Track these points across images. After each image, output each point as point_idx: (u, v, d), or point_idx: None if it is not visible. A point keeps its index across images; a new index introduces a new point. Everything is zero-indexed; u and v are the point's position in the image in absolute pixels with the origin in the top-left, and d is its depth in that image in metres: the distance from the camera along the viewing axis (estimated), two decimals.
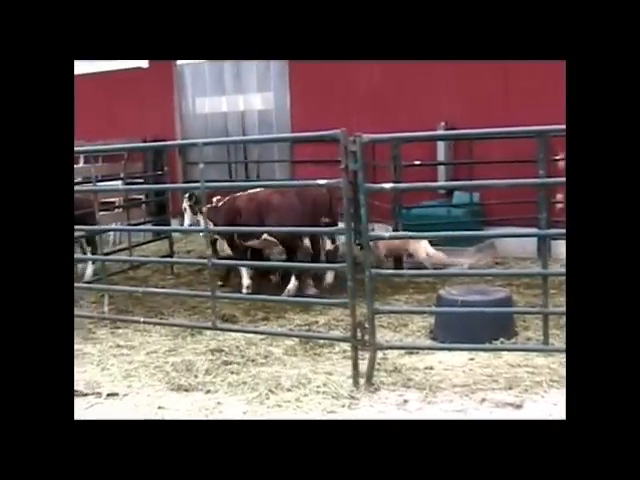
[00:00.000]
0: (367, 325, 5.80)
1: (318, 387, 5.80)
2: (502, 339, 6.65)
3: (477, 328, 6.40)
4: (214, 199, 8.98)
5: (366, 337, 5.81)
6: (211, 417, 5.42)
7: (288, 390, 5.79)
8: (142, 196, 12.89)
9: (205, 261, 6.91)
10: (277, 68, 13.76)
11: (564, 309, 4.11)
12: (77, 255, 9.85)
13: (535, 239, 9.81)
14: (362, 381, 5.82)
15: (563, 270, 4.22)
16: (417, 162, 10.74)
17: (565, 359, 4.16)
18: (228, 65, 14.27)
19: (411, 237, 9.61)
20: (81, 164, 13.95)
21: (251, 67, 14.07)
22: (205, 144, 6.71)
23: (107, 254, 9.65)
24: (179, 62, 14.69)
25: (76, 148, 11.32)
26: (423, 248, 9.80)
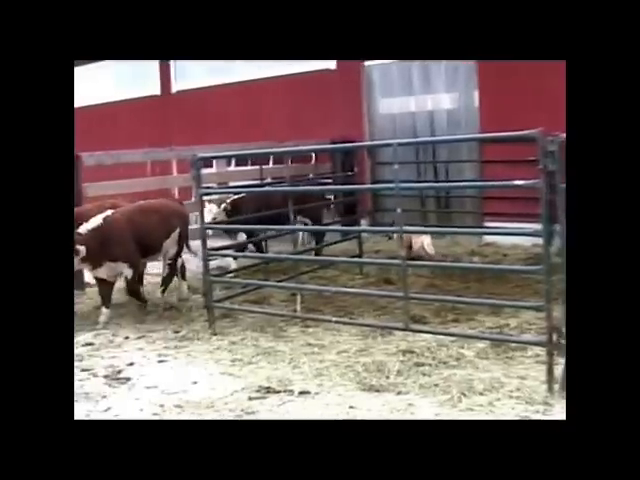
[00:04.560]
0: (563, 330, 5.64)
1: (511, 391, 5.67)
2: None
3: None
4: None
5: (562, 342, 5.65)
6: (402, 418, 5.40)
7: (480, 394, 5.68)
8: (331, 196, 13.01)
9: (397, 262, 6.90)
10: (465, 68, 13.61)
11: None
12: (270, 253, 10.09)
13: None
14: (556, 387, 5.66)
15: None
16: None
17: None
18: (416, 66, 14.22)
19: None
20: (270, 165, 14.29)
21: (439, 67, 13.97)
22: (400, 144, 6.71)
23: (298, 253, 9.79)
24: (367, 63, 14.76)
25: (266, 150, 11.71)
26: (421, 242, 10.67)
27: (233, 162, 15.61)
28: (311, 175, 12.92)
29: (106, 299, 8.69)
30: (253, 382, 6.30)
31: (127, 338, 8.07)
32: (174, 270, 9.41)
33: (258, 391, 6.10)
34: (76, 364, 7.15)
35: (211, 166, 14.22)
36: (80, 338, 8.05)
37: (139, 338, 8.03)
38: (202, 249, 8.05)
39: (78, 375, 6.82)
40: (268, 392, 6.07)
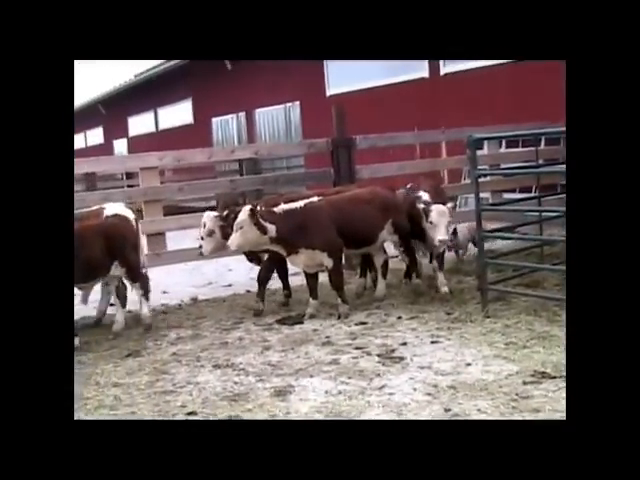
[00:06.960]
0: None
1: None
2: None
3: None
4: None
5: None
6: None
7: None
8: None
9: None
10: None
11: None
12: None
13: None
14: None
15: None
16: None
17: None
18: None
19: None
20: (542, 146, 13.92)
21: None
22: None
23: None
24: None
25: (540, 130, 11.43)
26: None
27: (504, 144, 15.35)
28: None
29: (313, 291, 8.57)
30: (528, 366, 6.21)
31: (399, 318, 8.18)
32: (413, 256, 9.26)
33: (533, 375, 6.00)
34: (349, 342, 7.39)
35: (481, 148, 14.07)
36: (353, 317, 8.30)
37: (412, 318, 8.13)
38: (477, 231, 8.02)
39: (352, 353, 7.03)
40: (543, 377, 5.95)
